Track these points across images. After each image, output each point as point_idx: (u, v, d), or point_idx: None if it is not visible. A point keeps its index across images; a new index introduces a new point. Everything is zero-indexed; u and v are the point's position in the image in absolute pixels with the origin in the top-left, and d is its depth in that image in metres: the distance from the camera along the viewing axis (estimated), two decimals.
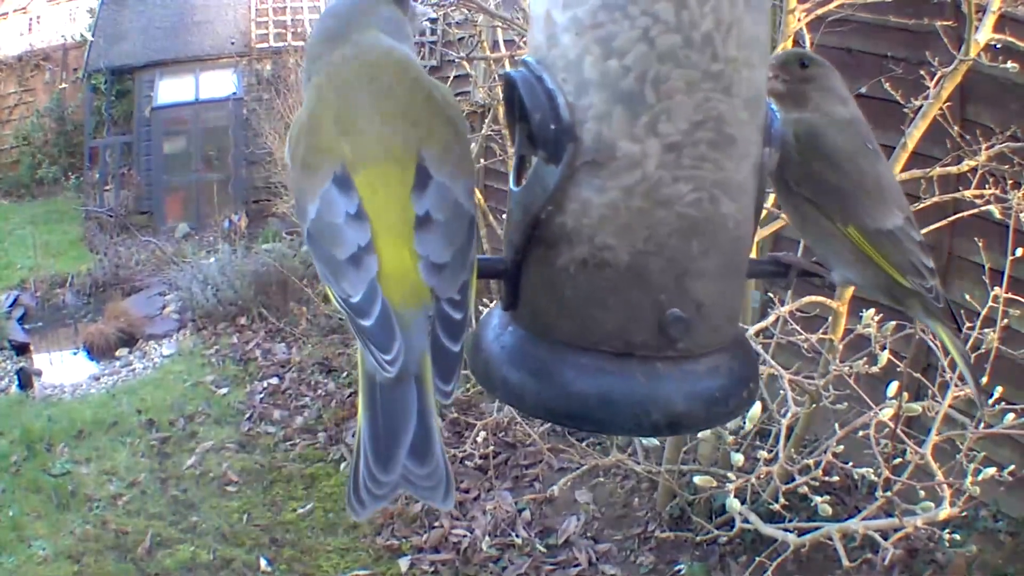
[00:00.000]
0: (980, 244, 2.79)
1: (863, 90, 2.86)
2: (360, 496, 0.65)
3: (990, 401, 2.39)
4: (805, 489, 2.49)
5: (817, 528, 2.53)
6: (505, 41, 4.55)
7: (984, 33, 2.58)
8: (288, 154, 0.81)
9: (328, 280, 0.72)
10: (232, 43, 9.51)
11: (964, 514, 2.51)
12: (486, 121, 4.81)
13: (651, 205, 0.74)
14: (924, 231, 0.99)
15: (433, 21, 5.56)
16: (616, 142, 0.74)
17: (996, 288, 2.42)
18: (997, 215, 2.69)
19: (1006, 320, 2.44)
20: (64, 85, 11.35)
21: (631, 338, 0.76)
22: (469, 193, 0.76)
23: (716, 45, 0.73)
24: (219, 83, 9.35)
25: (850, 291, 2.84)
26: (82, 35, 11.02)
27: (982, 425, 2.41)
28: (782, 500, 2.50)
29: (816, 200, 0.94)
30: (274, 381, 5.37)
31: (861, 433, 2.53)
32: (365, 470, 0.65)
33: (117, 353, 6.12)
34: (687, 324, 0.75)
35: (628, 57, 0.73)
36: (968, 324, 2.42)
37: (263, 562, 3.61)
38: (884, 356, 2.46)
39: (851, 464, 2.59)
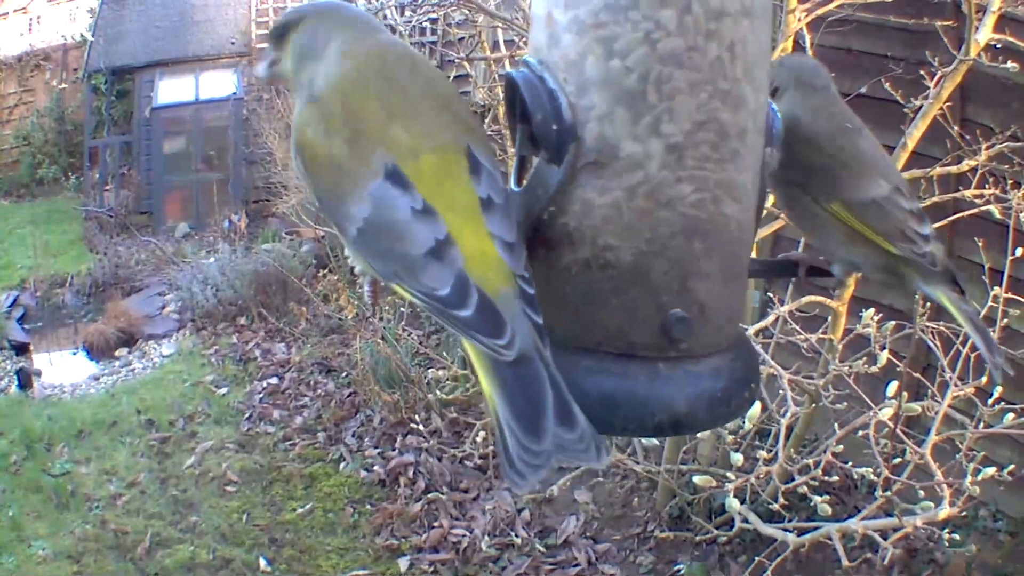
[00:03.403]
0: (980, 244, 2.79)
1: (863, 90, 2.85)
2: (518, 470, 0.66)
3: (990, 401, 2.39)
4: (805, 489, 2.49)
5: (817, 528, 2.53)
6: (505, 41, 4.54)
7: (984, 33, 2.58)
8: (305, 150, 0.77)
9: (399, 277, 0.72)
10: (232, 43, 9.49)
11: (964, 514, 2.51)
12: (486, 121, 4.80)
13: (653, 206, 0.74)
14: None
15: (433, 21, 5.56)
16: (618, 142, 0.74)
17: (996, 288, 2.42)
18: (997, 215, 2.68)
19: (1006, 320, 2.44)
20: (64, 85, 11.31)
21: (633, 339, 0.76)
22: (505, 182, 0.79)
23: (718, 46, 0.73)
24: (219, 83, 9.32)
25: (850, 291, 2.84)
26: (82, 35, 10.98)
27: (982, 425, 2.41)
28: (782, 500, 2.50)
29: (800, 181, 0.96)
30: (274, 381, 5.36)
31: (861, 433, 2.53)
32: (516, 444, 0.66)
33: (117, 353, 6.11)
34: (689, 324, 0.75)
35: (630, 57, 0.73)
36: None
37: (263, 562, 3.61)
38: (884, 356, 2.46)
39: (851, 464, 2.59)
